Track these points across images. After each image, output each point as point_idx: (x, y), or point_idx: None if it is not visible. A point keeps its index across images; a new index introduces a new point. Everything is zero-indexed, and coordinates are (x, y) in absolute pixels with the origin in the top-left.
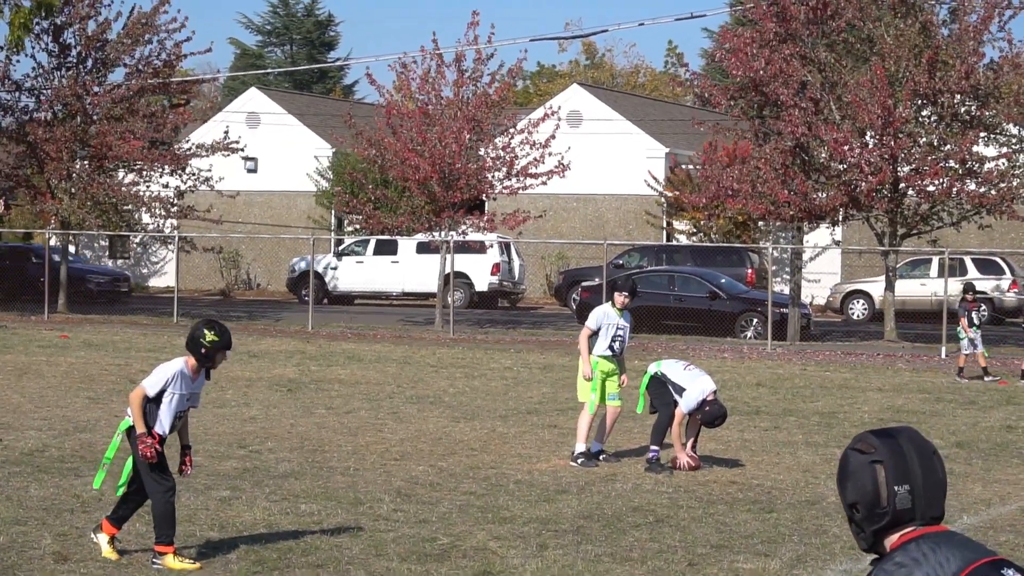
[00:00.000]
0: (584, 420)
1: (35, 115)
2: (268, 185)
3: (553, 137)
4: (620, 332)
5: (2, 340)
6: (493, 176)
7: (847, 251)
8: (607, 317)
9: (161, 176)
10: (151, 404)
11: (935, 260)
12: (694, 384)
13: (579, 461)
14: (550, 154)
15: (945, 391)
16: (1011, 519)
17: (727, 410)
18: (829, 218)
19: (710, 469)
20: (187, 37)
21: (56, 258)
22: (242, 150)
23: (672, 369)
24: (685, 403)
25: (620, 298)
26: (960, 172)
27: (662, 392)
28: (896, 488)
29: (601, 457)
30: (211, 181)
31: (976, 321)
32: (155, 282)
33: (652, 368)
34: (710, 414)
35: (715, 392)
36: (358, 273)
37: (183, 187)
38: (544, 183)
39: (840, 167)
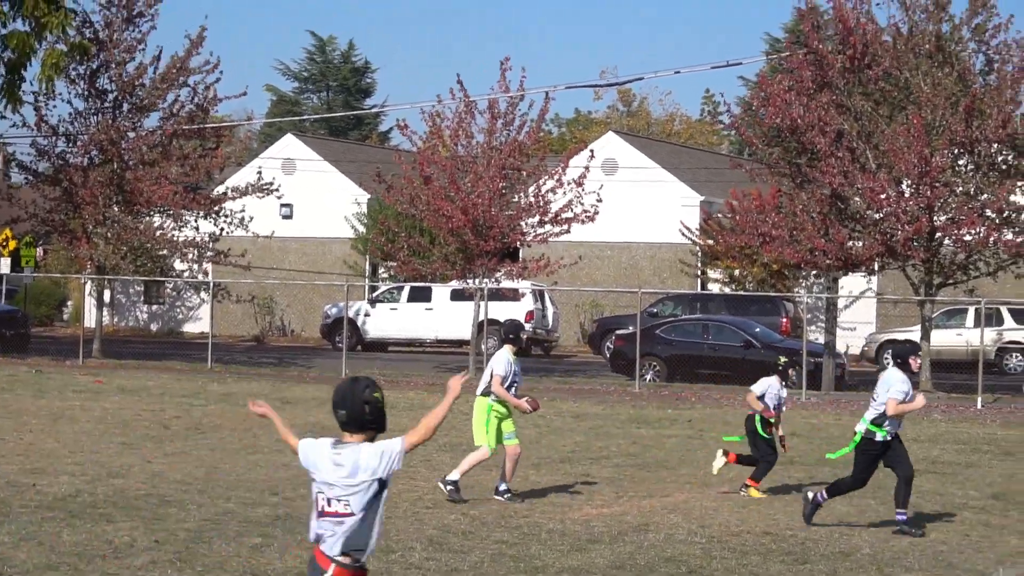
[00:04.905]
0: (473, 457)
1: (71, 160)
2: (303, 231)
3: (587, 172)
4: (516, 379)
5: (37, 385)
6: (526, 223)
7: (882, 300)
8: (510, 365)
9: (196, 220)
10: None
11: (971, 310)
12: None
13: (448, 489)
14: (585, 193)
15: (981, 442)
16: None
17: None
18: (865, 267)
19: (743, 520)
20: (217, 79)
21: None
22: (277, 190)
23: None
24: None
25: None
26: (997, 221)
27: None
28: None
29: (506, 497)
30: (245, 222)
31: None
32: (189, 327)
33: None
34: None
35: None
36: (392, 320)
37: (217, 231)
38: (581, 222)
39: (876, 216)
